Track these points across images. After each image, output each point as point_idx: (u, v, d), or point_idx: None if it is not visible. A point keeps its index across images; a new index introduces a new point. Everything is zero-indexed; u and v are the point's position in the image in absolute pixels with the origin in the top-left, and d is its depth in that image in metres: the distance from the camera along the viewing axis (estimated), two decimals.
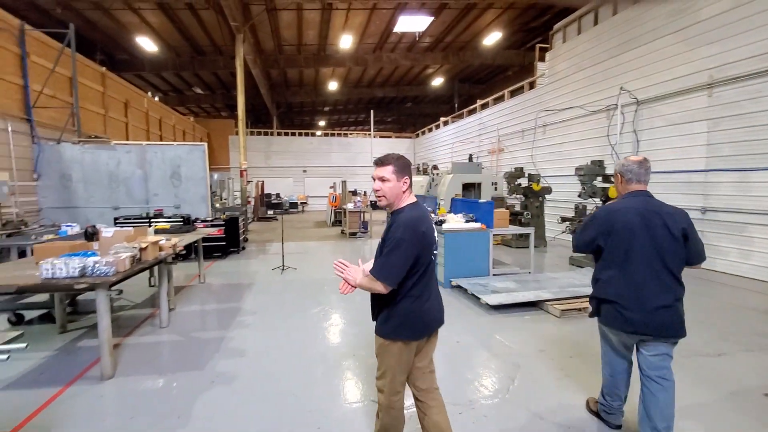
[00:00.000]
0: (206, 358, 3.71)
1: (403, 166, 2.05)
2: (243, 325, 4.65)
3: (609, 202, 2.79)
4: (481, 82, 22.86)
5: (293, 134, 25.55)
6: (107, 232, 3.98)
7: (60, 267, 3.08)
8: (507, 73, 20.54)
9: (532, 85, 13.14)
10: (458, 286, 5.88)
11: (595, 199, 7.45)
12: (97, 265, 3.17)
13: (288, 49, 17.22)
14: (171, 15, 13.49)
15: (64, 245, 3.79)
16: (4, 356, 1.58)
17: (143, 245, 3.84)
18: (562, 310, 4.72)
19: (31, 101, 8.38)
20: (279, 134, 25.22)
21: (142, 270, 3.85)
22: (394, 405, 2.12)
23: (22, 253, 5.84)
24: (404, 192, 2.06)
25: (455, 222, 6.42)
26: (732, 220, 6.77)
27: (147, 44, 14.60)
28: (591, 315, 2.57)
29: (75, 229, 5.84)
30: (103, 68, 11.99)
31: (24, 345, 1.76)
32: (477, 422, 2.72)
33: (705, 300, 5.55)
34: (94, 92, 11.30)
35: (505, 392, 3.11)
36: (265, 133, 25.16)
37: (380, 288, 1.95)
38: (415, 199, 2.11)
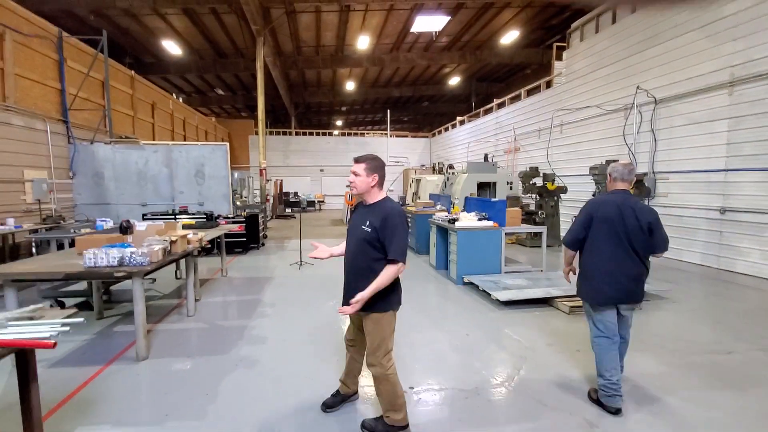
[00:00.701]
0: (230, 344, 3.98)
1: (375, 166, 2.47)
2: (263, 315, 4.92)
3: (597, 196, 3.14)
4: (499, 81, 22.75)
5: (311, 134, 25.98)
6: (141, 226, 4.30)
7: (101, 256, 3.39)
8: (526, 72, 20.39)
9: (549, 84, 13.08)
10: (470, 283, 6.01)
11: None
12: (133, 256, 3.47)
13: (306, 50, 17.57)
14: (195, 19, 13.99)
15: (102, 237, 4.12)
16: (66, 328, 1.85)
17: (173, 239, 4.13)
18: (571, 307, 4.81)
19: (68, 104, 8.91)
20: (297, 134, 25.70)
21: (173, 261, 4.15)
22: (389, 369, 2.45)
23: (60, 246, 6.27)
24: (373, 187, 2.48)
25: (468, 220, 6.55)
26: (753, 220, 6.68)
27: (172, 48, 15.18)
28: (578, 293, 3.04)
29: (109, 223, 6.24)
30: (132, 72, 12.55)
31: (82, 319, 2.02)
32: (482, 407, 2.88)
33: (724, 302, 5.52)
34: (124, 95, 11.86)
35: (510, 381, 3.26)
36: (284, 133, 25.67)
37: (400, 269, 2.35)
38: (386, 194, 2.56)
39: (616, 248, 2.77)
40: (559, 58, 12.37)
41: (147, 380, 3.29)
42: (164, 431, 2.58)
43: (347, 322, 4.73)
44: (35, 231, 6.83)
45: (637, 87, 8.57)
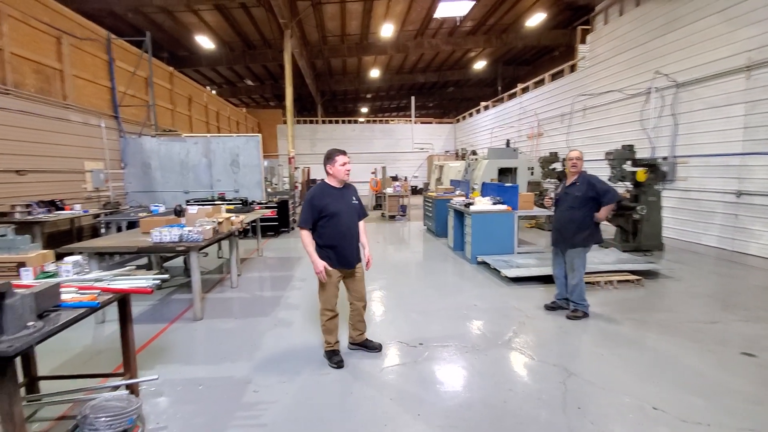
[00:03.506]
0: (269, 309, 4.69)
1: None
2: (296, 288, 5.61)
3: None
4: (526, 63, 22.41)
5: (337, 122, 26.57)
6: (192, 209, 5.02)
7: (165, 234, 4.11)
8: (554, 54, 20.02)
9: (573, 69, 13.01)
10: (483, 262, 6.47)
11: (625, 183, 7.63)
12: (190, 234, 4.17)
13: (332, 39, 18.01)
14: (226, 14, 14.69)
15: (161, 219, 4.87)
16: (158, 281, 2.51)
17: (220, 220, 4.82)
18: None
19: (118, 101, 9.84)
20: (323, 122, 26.36)
21: (220, 239, 4.86)
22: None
23: (118, 228, 7.17)
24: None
25: (483, 204, 6.97)
26: (767, 203, 6.74)
27: (205, 42, 16.01)
28: (595, 241, 4.31)
29: (162, 208, 7.07)
30: (171, 68, 13.44)
31: (167, 276, 2.68)
32: (479, 359, 3.41)
33: (726, 280, 5.75)
34: (164, 90, 12.78)
35: (508, 341, 3.76)
36: (311, 122, 26.38)
37: None
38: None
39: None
40: (584, 41, 12.27)
41: (204, 335, 4.02)
42: (222, 369, 3.28)
43: (367, 293, 5.32)
44: (97, 215, 7.79)
45: (655, 72, 8.57)
